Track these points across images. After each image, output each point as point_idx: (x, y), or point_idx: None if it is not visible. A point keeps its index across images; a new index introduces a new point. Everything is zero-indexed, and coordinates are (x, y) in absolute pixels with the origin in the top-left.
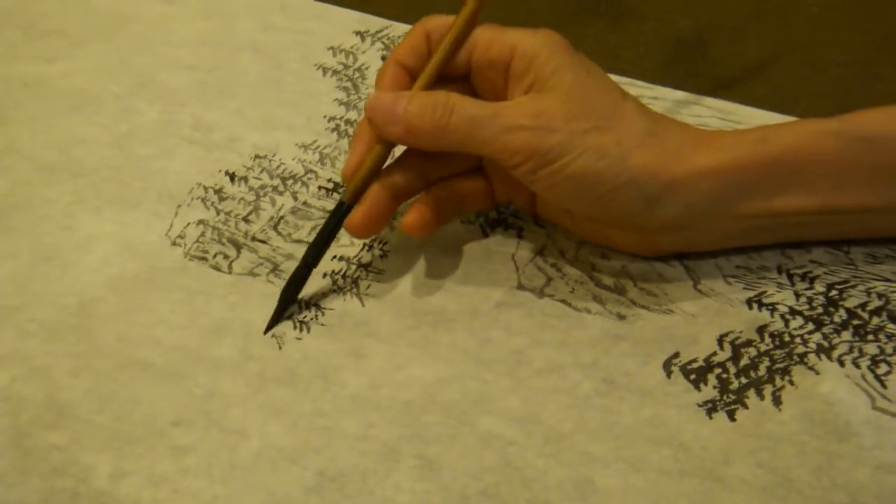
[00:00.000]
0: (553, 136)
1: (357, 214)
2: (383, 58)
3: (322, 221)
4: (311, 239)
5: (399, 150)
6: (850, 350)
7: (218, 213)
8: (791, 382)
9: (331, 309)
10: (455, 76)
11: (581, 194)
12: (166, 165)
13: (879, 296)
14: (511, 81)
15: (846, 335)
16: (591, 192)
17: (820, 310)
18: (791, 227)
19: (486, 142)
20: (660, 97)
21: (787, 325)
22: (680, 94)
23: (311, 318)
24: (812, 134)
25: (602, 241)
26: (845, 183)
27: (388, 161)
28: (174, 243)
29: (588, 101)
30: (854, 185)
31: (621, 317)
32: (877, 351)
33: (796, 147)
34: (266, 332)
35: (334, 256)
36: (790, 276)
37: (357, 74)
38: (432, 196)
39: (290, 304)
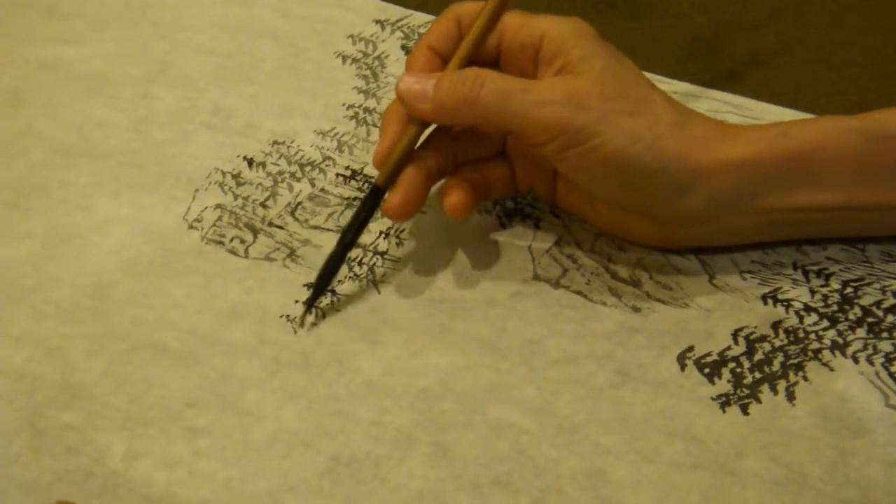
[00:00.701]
0: (586, 113)
1: (395, 198)
2: (403, 47)
3: (339, 208)
4: (328, 225)
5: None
6: (865, 347)
7: (235, 197)
8: (805, 378)
9: (347, 295)
10: (484, 61)
11: (611, 177)
12: (184, 150)
13: (894, 294)
14: (541, 66)
15: (861, 332)
16: (621, 176)
17: (835, 307)
18: (810, 222)
19: (516, 115)
20: (677, 91)
21: (801, 322)
22: (696, 89)
23: (327, 304)
24: (833, 130)
25: (620, 232)
26: (865, 180)
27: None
28: (191, 227)
29: (621, 86)
30: (874, 182)
31: (636, 309)
32: (891, 348)
33: (817, 143)
34: (304, 316)
35: None
36: (805, 273)
37: (376, 63)
38: (463, 178)
39: (326, 288)
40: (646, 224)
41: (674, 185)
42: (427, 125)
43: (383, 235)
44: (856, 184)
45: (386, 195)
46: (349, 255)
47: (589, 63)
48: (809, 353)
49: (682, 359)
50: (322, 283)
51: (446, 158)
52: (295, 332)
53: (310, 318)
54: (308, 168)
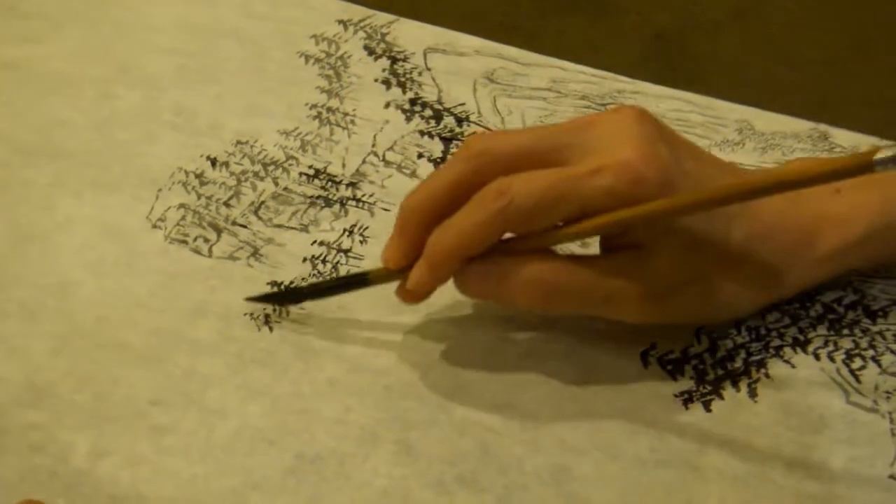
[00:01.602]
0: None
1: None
2: (365, 47)
3: (303, 206)
4: (291, 224)
5: None
6: (826, 344)
7: (199, 197)
8: (767, 375)
9: None
10: None
11: None
12: (147, 150)
13: (855, 290)
14: None
15: (822, 329)
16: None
17: (796, 304)
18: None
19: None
20: (641, 91)
21: (763, 319)
22: (660, 89)
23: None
24: None
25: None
26: None
27: None
28: (154, 226)
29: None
30: None
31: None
32: (851, 345)
33: None
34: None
35: (314, 241)
36: None
37: (339, 63)
38: None
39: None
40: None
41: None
42: None
43: (347, 233)
44: None
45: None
46: (313, 252)
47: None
48: (771, 350)
49: (644, 356)
50: (274, 299)
51: None
52: (258, 329)
53: (274, 316)
54: (271, 167)
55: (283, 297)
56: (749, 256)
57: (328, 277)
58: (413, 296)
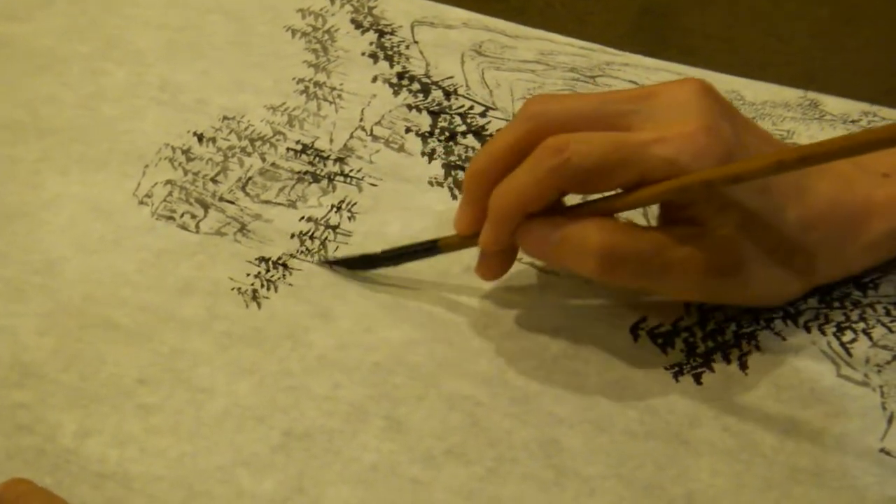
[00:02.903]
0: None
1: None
2: (353, 20)
3: (290, 182)
4: (279, 200)
5: None
6: (816, 317)
7: (186, 173)
8: (757, 348)
9: (298, 269)
10: None
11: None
12: (134, 126)
13: None
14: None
15: (812, 302)
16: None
17: None
18: None
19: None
20: (630, 64)
21: None
22: (650, 61)
23: (279, 278)
24: None
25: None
26: None
27: None
28: (141, 203)
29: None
30: None
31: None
32: (842, 318)
33: None
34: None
35: (302, 217)
36: None
37: (326, 37)
38: None
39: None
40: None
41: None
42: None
43: (335, 209)
44: None
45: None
46: (301, 229)
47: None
48: (762, 323)
49: (635, 329)
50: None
51: None
52: (247, 306)
53: (262, 292)
54: (258, 143)
55: (358, 262)
56: (801, 241)
57: (399, 245)
58: (488, 268)
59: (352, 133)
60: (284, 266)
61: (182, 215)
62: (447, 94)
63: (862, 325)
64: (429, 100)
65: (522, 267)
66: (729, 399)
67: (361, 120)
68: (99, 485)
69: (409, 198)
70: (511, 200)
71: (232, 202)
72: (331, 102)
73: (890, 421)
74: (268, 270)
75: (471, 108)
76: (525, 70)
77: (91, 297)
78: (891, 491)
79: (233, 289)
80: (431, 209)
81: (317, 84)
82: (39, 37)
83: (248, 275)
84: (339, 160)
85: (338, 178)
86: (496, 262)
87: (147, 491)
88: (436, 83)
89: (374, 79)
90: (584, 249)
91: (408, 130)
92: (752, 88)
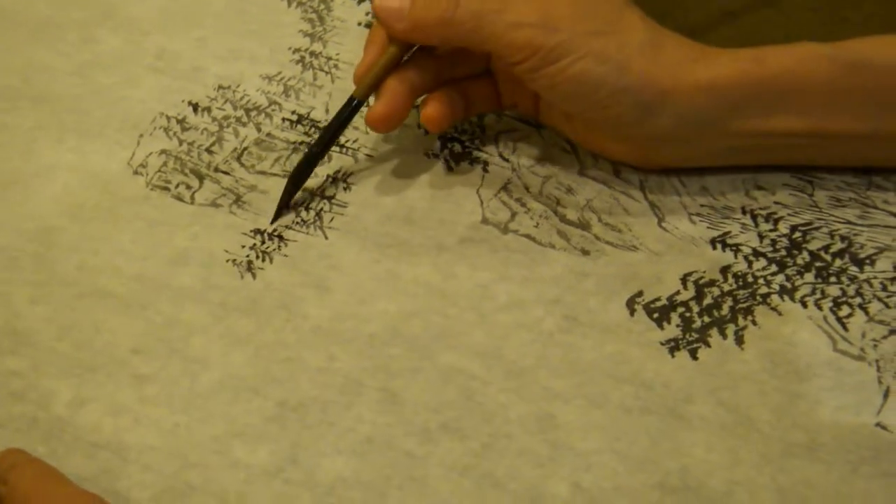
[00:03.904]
0: (557, 35)
1: (377, 108)
2: None
3: (286, 153)
4: (274, 170)
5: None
6: (813, 292)
7: (181, 143)
8: (754, 322)
9: (293, 241)
10: None
11: (579, 97)
12: (129, 94)
13: (842, 238)
14: None
15: (809, 277)
16: (589, 95)
17: (783, 252)
18: (781, 148)
19: (490, 36)
20: None
21: (750, 267)
22: None
23: (274, 249)
24: (807, 57)
25: (599, 149)
26: (836, 108)
27: None
28: (136, 172)
29: (594, 6)
30: (845, 110)
31: (585, 252)
32: (839, 293)
33: (791, 68)
34: (272, 222)
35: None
36: (754, 217)
37: (322, 6)
38: (444, 93)
39: (294, 193)
40: (619, 143)
41: (641, 104)
42: (409, 46)
43: (331, 180)
44: (826, 112)
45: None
46: (296, 199)
47: None
48: (758, 298)
49: (631, 304)
50: (290, 191)
51: (430, 75)
52: (241, 277)
53: (257, 263)
54: (254, 113)
55: (291, 185)
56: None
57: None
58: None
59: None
60: (280, 237)
61: (177, 186)
62: None
63: (858, 299)
64: None
65: (517, 239)
66: (725, 374)
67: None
68: (93, 454)
69: (404, 169)
70: None
71: (227, 173)
72: (327, 73)
73: (886, 395)
74: (263, 242)
75: None
76: None
77: (85, 265)
78: (886, 465)
79: (228, 260)
80: (427, 181)
81: (313, 54)
82: (34, 4)
83: (244, 246)
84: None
85: (333, 148)
86: (396, 104)
87: (141, 461)
88: None
89: None
90: None
91: None
92: None
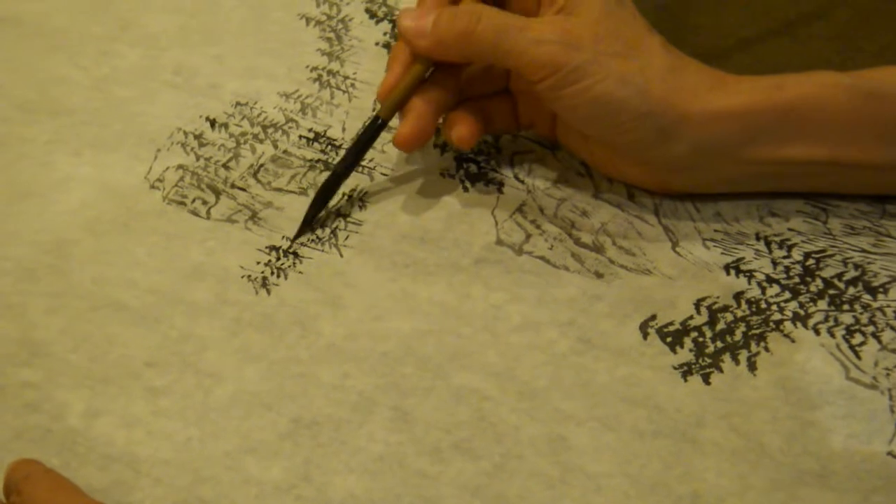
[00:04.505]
0: (580, 54)
1: (405, 128)
2: (367, 10)
3: (302, 170)
4: (290, 187)
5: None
6: (826, 319)
7: (198, 158)
8: (766, 349)
9: (309, 258)
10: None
11: (600, 119)
12: (146, 109)
13: (856, 266)
14: (543, 4)
15: (822, 304)
16: (610, 118)
17: (797, 279)
18: (797, 176)
19: (512, 52)
20: None
21: (763, 293)
22: None
23: (289, 266)
24: (826, 86)
25: (615, 173)
26: (853, 137)
27: None
28: (153, 187)
29: (616, 29)
30: (862, 139)
31: (599, 275)
32: (852, 321)
33: (809, 97)
34: (294, 239)
35: None
36: (768, 244)
37: (340, 25)
38: (468, 111)
39: (319, 212)
40: (636, 167)
41: (660, 129)
42: (431, 62)
43: (346, 197)
44: (844, 141)
45: (392, 126)
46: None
47: (588, 4)
48: (771, 324)
49: (644, 327)
50: (315, 210)
51: (452, 93)
52: (256, 293)
53: (272, 280)
54: (271, 130)
55: (316, 205)
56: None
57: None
58: (407, 126)
59: (364, 122)
60: (295, 254)
61: (193, 201)
62: None
63: (871, 328)
64: None
65: (531, 260)
66: (737, 399)
67: (374, 109)
68: (106, 466)
69: (420, 189)
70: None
71: (243, 189)
72: (344, 91)
73: None
74: (278, 258)
75: None
76: None
77: (101, 278)
78: None
79: (242, 276)
80: (442, 200)
81: (330, 73)
82: (53, 16)
83: (259, 262)
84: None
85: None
86: (422, 124)
87: (153, 474)
88: None
89: None
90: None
91: None
92: None
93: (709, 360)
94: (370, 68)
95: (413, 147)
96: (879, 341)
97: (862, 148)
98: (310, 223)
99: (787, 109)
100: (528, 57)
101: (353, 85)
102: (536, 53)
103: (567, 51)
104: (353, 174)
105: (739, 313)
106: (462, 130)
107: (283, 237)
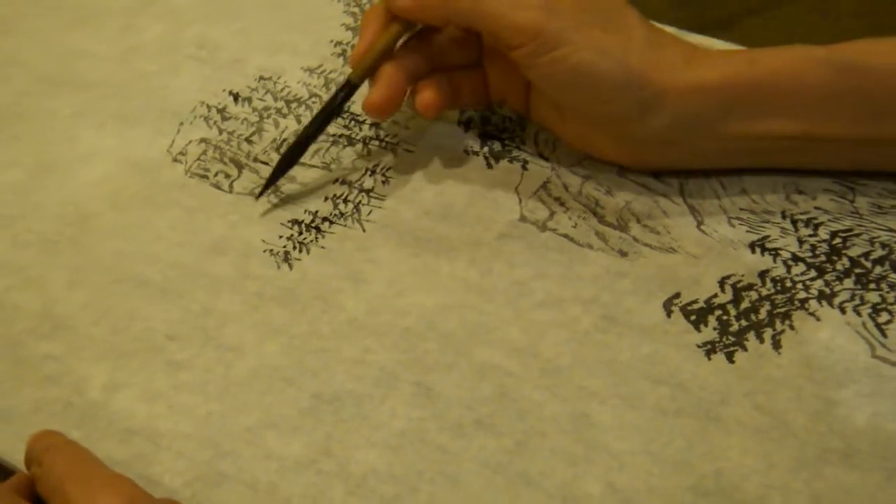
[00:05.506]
0: (560, 20)
1: (374, 93)
2: None
3: (325, 145)
4: (313, 162)
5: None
6: (852, 298)
7: (220, 132)
8: (791, 327)
9: (331, 233)
10: None
11: (578, 88)
12: (170, 83)
13: (883, 245)
14: None
15: (848, 283)
16: (588, 87)
17: (823, 257)
18: (774, 151)
19: (492, 15)
20: None
21: (789, 271)
22: (689, 36)
23: (311, 241)
24: (800, 60)
25: (588, 148)
26: (829, 111)
27: None
28: (175, 160)
29: (595, 1)
30: (837, 113)
31: (623, 253)
32: (878, 299)
33: (783, 71)
34: (257, 198)
35: (336, 180)
36: (794, 222)
37: (365, 0)
38: (436, 80)
39: (284, 173)
40: (612, 141)
41: (638, 102)
42: (406, 27)
43: (369, 172)
44: (819, 115)
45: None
46: (335, 192)
47: None
48: (796, 303)
49: (668, 305)
50: (280, 170)
51: (423, 62)
52: (278, 267)
53: (294, 254)
54: (294, 104)
55: (282, 164)
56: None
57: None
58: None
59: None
60: (317, 229)
61: (216, 174)
62: None
63: None
64: None
65: (555, 237)
66: (761, 378)
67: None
68: (126, 439)
69: (443, 165)
70: None
71: (266, 163)
72: None
73: None
74: (300, 233)
75: None
76: None
77: (123, 251)
78: None
79: (265, 250)
80: (465, 177)
81: (354, 48)
82: None
83: (281, 237)
84: (375, 125)
85: (373, 142)
86: (392, 90)
87: (174, 448)
88: None
89: None
90: None
91: None
92: None
93: (733, 339)
94: None
95: (382, 113)
96: None
97: (837, 122)
98: (273, 183)
99: (759, 84)
100: (507, 20)
101: None
102: (516, 17)
103: (547, 16)
104: (376, 149)
105: (764, 291)
106: (427, 97)
107: (306, 210)
